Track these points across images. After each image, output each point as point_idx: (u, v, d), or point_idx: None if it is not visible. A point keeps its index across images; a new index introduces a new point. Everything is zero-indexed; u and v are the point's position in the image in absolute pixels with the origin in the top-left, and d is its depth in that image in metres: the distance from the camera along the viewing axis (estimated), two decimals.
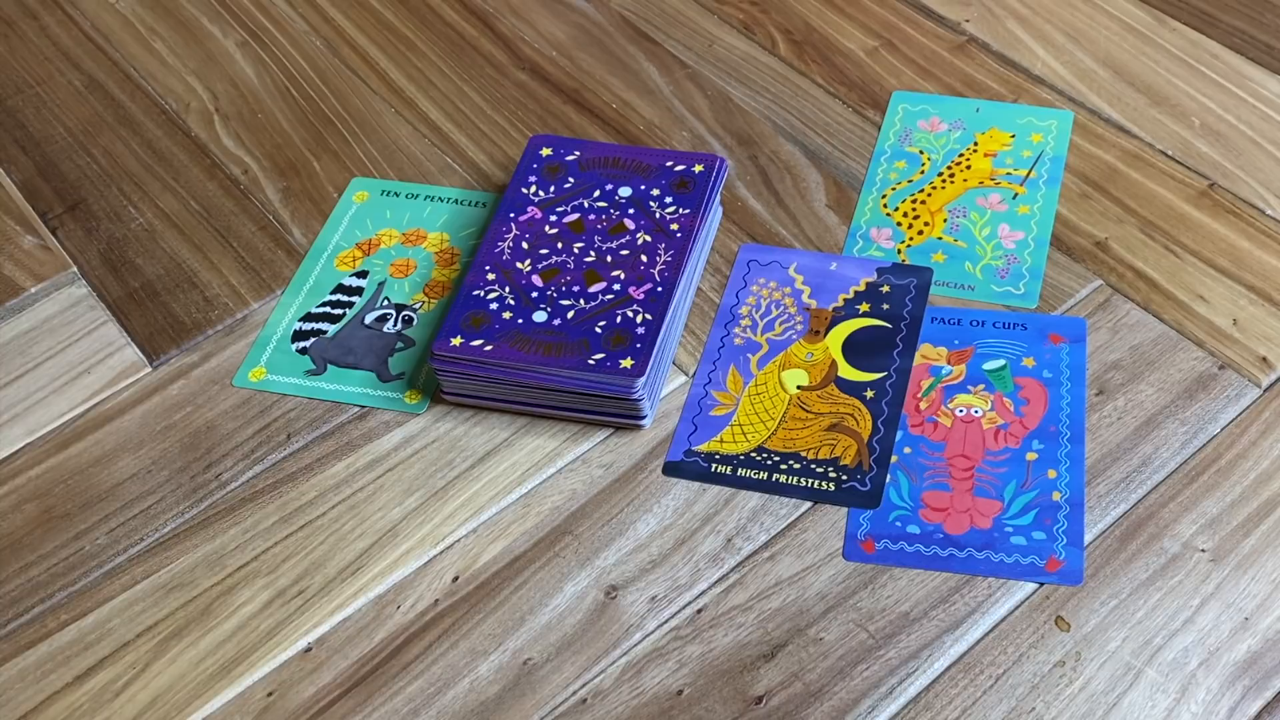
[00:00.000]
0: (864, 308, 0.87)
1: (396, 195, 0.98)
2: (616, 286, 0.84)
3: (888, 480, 0.78)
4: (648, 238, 0.87)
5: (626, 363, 0.79)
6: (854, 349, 0.85)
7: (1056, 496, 0.77)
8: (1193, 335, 0.85)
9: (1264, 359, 0.83)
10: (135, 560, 0.78)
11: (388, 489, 0.80)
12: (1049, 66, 1.04)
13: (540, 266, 0.86)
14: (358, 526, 0.78)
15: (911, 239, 0.91)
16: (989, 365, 0.83)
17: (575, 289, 0.84)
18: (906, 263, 0.90)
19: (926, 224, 0.92)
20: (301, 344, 0.88)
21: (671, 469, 0.80)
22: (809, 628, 0.72)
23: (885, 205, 0.94)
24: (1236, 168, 0.95)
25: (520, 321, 0.82)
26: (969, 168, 0.96)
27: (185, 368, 0.88)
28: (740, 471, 0.79)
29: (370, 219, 0.96)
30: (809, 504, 0.78)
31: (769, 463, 0.79)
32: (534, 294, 0.84)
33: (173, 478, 0.82)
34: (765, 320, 0.87)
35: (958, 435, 0.80)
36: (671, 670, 0.71)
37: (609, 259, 0.86)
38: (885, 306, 0.87)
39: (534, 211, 0.89)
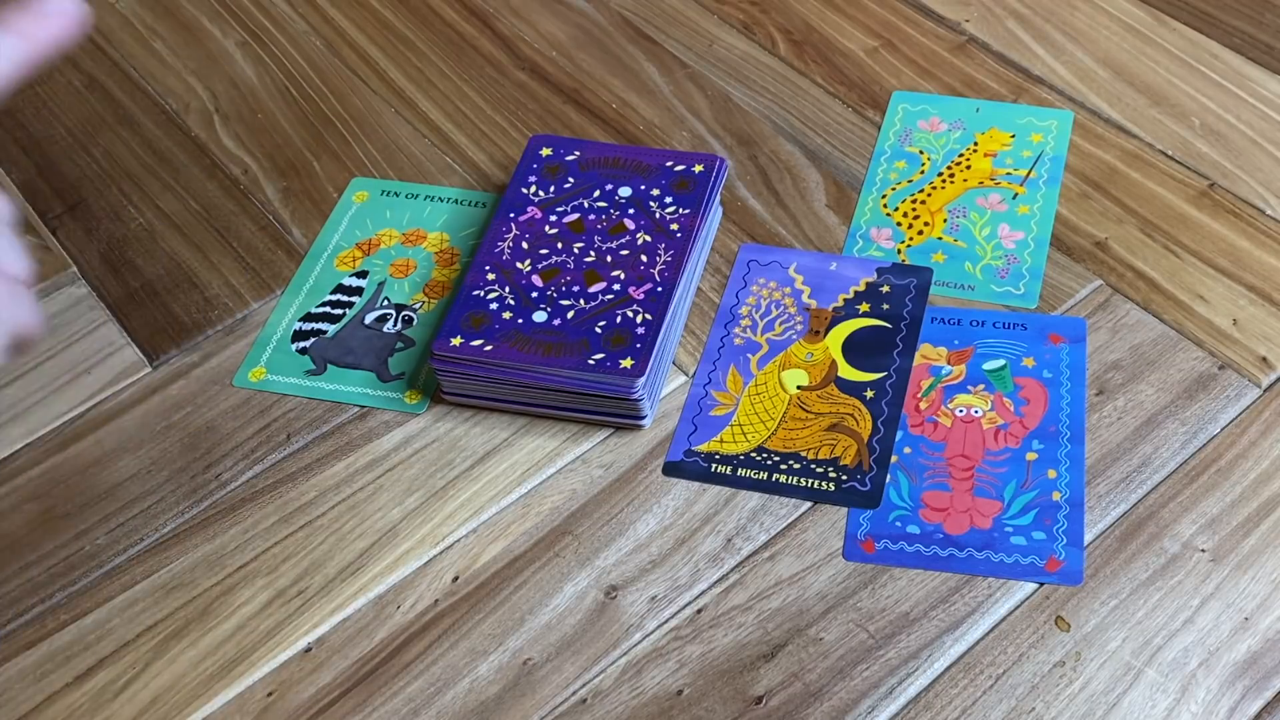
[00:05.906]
0: (864, 308, 0.87)
1: (396, 195, 0.98)
2: (616, 286, 0.84)
3: (888, 480, 0.78)
4: (648, 238, 0.87)
5: (626, 363, 0.79)
6: (854, 349, 0.85)
7: (1056, 496, 0.77)
8: (1193, 335, 0.84)
9: (1264, 359, 0.83)
10: (135, 560, 0.78)
11: (388, 489, 0.80)
12: (1049, 66, 1.04)
13: (540, 266, 0.86)
14: (358, 526, 0.78)
15: (911, 239, 0.91)
16: (989, 365, 0.83)
17: (575, 289, 0.84)
18: (906, 263, 0.90)
19: (926, 224, 0.92)
20: (301, 344, 0.88)
21: (671, 469, 0.80)
22: (809, 628, 0.72)
23: (885, 205, 0.94)
24: (1236, 168, 0.95)
25: (520, 321, 0.82)
26: (969, 168, 0.96)
27: (185, 368, 0.88)
28: (740, 471, 0.79)
29: (370, 219, 0.96)
30: (809, 504, 0.78)
31: (769, 463, 0.79)
32: (534, 294, 0.84)
33: (173, 478, 0.82)
34: (765, 320, 0.87)
35: (958, 435, 0.80)
36: (671, 670, 0.71)
37: (609, 259, 0.86)
38: (885, 306, 0.87)
39: (534, 211, 0.89)
